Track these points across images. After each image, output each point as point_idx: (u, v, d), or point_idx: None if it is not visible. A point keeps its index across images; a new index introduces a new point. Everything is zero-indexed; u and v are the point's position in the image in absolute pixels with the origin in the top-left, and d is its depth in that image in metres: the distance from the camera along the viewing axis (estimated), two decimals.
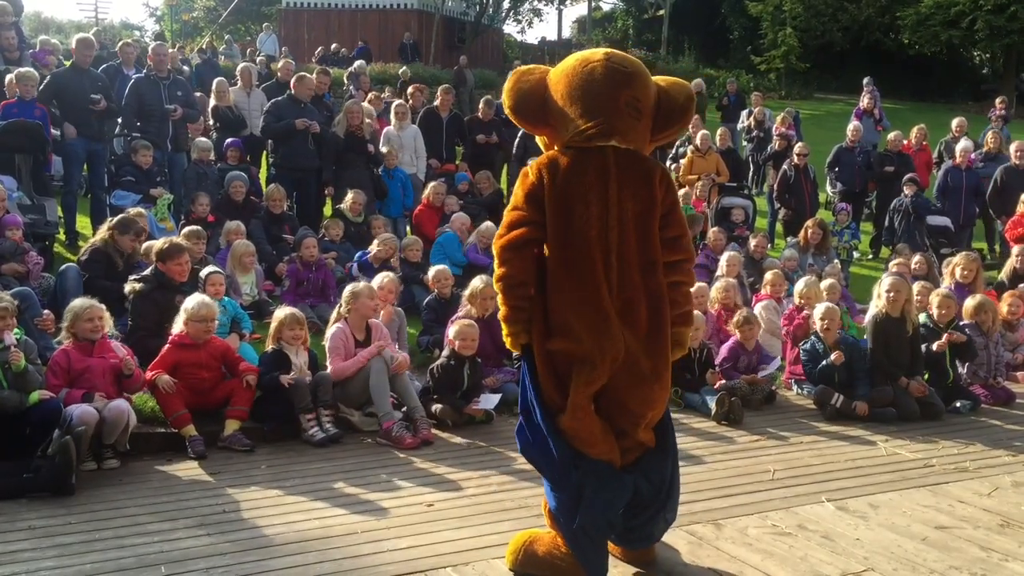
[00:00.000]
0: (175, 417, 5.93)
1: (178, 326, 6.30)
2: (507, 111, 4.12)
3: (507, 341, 4.07)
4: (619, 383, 3.94)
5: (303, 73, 12.09)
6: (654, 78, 4.10)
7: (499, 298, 4.03)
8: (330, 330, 6.74)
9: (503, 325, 4.05)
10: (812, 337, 7.42)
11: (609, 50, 4.12)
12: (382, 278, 7.58)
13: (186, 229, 8.66)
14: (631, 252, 3.93)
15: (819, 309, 7.47)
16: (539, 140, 4.29)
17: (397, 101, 13.34)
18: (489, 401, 6.71)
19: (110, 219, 8.25)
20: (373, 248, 9.29)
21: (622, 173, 3.92)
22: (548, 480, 4.09)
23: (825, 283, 8.53)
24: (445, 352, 6.88)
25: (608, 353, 3.87)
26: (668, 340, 4.03)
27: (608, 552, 4.16)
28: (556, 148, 4.06)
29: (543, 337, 3.97)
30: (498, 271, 3.98)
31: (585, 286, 3.88)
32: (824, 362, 7.21)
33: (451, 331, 6.89)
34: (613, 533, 4.14)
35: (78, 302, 6.01)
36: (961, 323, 7.83)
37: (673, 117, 4.09)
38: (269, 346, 6.55)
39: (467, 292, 7.44)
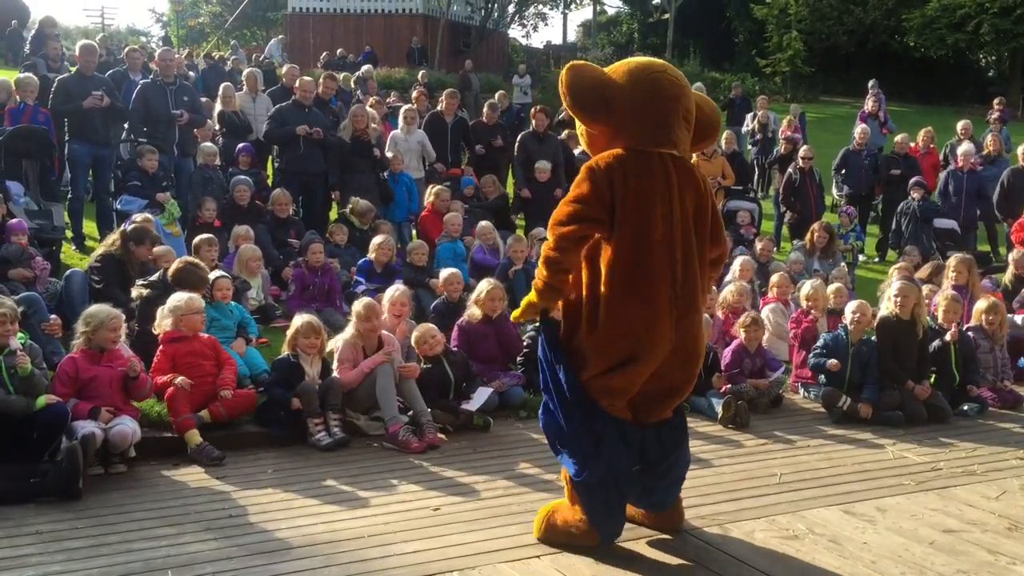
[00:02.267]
0: (180, 421, 5.90)
1: (164, 325, 6.31)
2: (567, 102, 4.28)
3: (523, 307, 4.35)
4: (668, 368, 4.29)
5: (304, 76, 12.13)
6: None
7: (541, 273, 4.26)
8: (340, 339, 6.72)
9: (534, 294, 4.30)
10: (840, 328, 7.39)
11: (664, 62, 4.46)
12: (393, 292, 7.37)
13: (198, 237, 8.61)
14: (692, 248, 4.26)
15: (853, 304, 7.45)
16: (581, 128, 4.47)
17: (406, 106, 13.34)
18: (480, 396, 6.67)
19: (122, 228, 8.19)
20: (371, 254, 9.30)
21: (680, 177, 4.23)
22: (566, 440, 4.39)
23: (833, 287, 8.51)
24: (423, 361, 6.83)
25: (656, 348, 4.21)
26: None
27: (623, 517, 4.47)
28: (610, 144, 4.26)
29: (593, 325, 4.23)
30: (551, 254, 4.21)
31: (649, 283, 4.16)
32: (823, 360, 7.20)
33: (412, 339, 6.86)
34: (624, 491, 4.46)
35: (102, 310, 5.90)
36: (967, 326, 7.82)
37: (708, 131, 4.56)
38: (285, 351, 6.54)
39: (473, 295, 7.43)
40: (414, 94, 15.15)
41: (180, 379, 5.96)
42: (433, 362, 6.73)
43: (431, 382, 6.61)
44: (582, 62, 4.41)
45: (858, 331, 7.27)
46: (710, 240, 4.40)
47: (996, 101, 18.22)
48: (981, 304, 8.04)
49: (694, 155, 13.39)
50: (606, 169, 4.16)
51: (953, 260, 9.20)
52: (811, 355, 7.43)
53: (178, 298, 6.37)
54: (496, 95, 15.76)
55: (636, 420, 4.39)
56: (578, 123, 4.52)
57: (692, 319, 4.30)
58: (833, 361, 7.14)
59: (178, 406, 5.94)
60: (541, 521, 4.59)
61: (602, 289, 4.21)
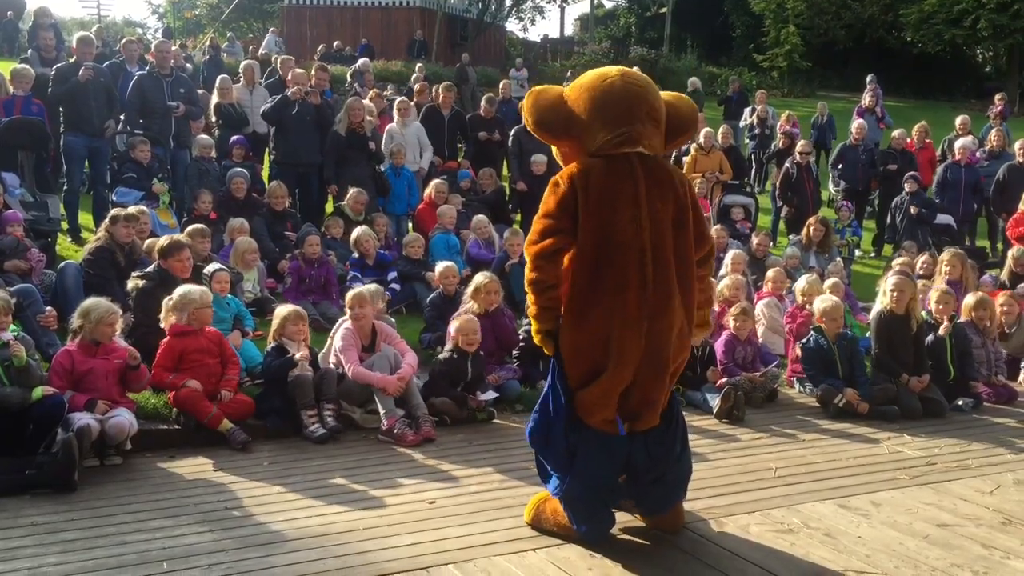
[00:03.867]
0: (210, 417, 5.94)
1: (171, 319, 6.30)
2: (530, 126, 4.38)
3: (536, 337, 4.38)
4: (642, 376, 4.19)
5: (297, 68, 12.15)
6: (661, 93, 4.42)
7: (530, 298, 4.29)
8: (339, 330, 6.71)
9: (533, 322, 4.34)
10: (812, 332, 7.39)
11: (622, 68, 4.46)
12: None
13: (190, 227, 8.64)
14: (667, 250, 4.16)
15: (819, 302, 7.45)
16: (556, 150, 4.53)
17: (399, 98, 13.32)
18: (490, 393, 6.73)
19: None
20: (354, 252, 9.41)
21: (648, 177, 4.17)
22: (547, 454, 4.47)
23: (829, 282, 8.52)
24: (448, 347, 6.89)
25: (624, 354, 4.11)
26: (691, 331, 4.36)
27: (609, 520, 4.49)
28: (580, 157, 4.28)
29: (569, 330, 4.24)
30: (531, 275, 4.23)
31: (617, 288, 4.10)
32: (836, 383, 7.13)
33: (453, 327, 6.89)
34: (607, 500, 4.47)
35: (100, 304, 5.86)
36: (959, 320, 7.84)
37: (682, 126, 4.43)
38: (270, 343, 6.54)
39: (470, 288, 7.43)
40: (416, 87, 15.10)
41: (191, 383, 5.99)
42: (460, 355, 6.76)
43: (448, 372, 6.69)
44: (542, 86, 4.50)
45: (833, 329, 7.29)
46: (695, 240, 4.28)
47: (998, 96, 18.20)
48: (969, 300, 8.07)
49: (692, 150, 13.54)
50: (568, 178, 4.17)
51: (946, 255, 9.22)
52: (805, 363, 7.42)
53: (191, 291, 6.37)
54: (500, 85, 15.72)
55: (627, 429, 4.32)
56: (552, 147, 4.57)
57: (664, 322, 4.13)
58: (851, 391, 7.04)
59: (201, 405, 5.96)
60: (532, 507, 4.68)
61: (568, 295, 4.21)
